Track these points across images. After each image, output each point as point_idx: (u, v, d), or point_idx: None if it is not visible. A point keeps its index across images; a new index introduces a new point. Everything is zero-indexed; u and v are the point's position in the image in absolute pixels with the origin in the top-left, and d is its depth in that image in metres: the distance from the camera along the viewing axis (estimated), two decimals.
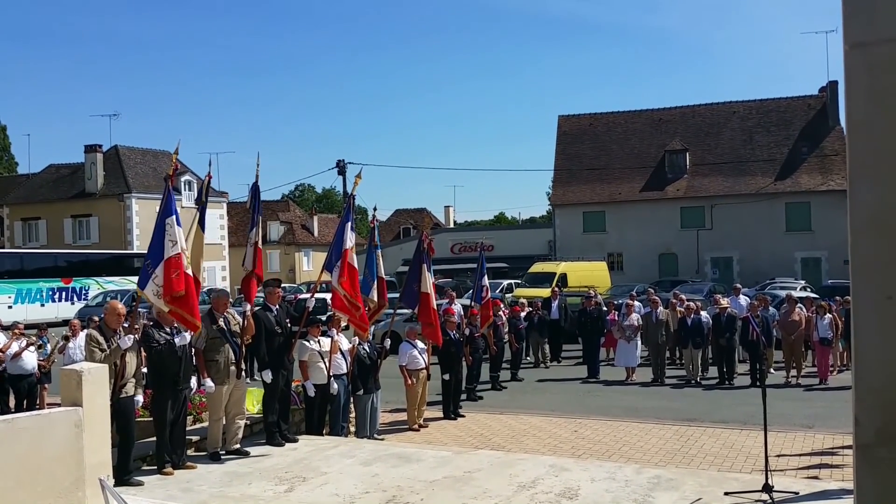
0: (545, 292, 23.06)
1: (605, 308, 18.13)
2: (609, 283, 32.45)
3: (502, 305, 17.92)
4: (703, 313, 15.93)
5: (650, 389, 14.92)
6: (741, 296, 18.84)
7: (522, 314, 17.63)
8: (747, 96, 48.78)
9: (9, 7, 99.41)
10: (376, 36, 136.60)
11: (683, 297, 18.10)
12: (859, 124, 2.15)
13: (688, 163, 42.78)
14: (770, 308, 16.35)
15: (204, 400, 9.03)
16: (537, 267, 32.77)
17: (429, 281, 11.56)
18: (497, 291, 29.39)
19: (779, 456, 9.11)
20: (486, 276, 14.84)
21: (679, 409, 12.68)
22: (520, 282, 32.33)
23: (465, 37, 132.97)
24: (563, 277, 29.87)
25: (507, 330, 16.39)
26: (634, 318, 16.13)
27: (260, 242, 9.27)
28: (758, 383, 13.22)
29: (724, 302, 16.38)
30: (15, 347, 12.45)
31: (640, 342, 16.15)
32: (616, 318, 16.98)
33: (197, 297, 8.19)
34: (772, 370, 15.58)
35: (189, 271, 8.01)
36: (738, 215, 39.95)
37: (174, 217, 8.00)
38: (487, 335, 14.76)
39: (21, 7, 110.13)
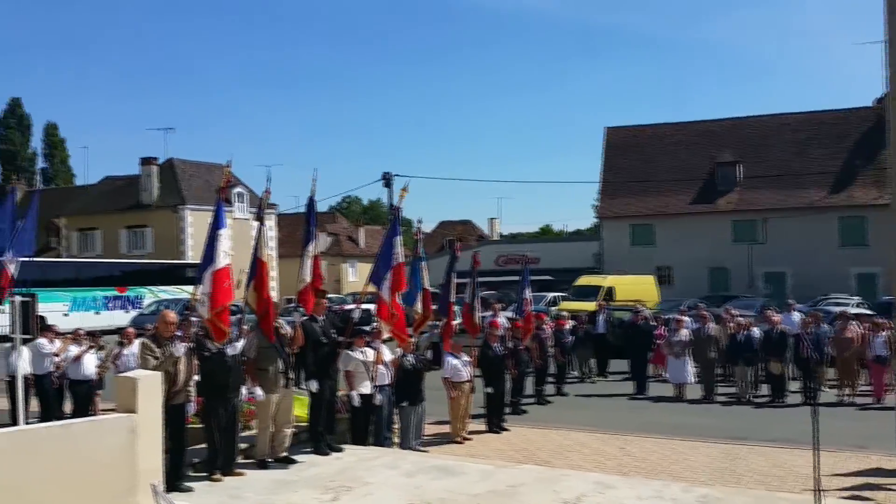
0: (591, 306, 22.86)
1: (653, 323, 17.89)
2: (657, 297, 32.00)
3: (547, 318, 17.83)
4: (755, 329, 15.63)
5: (699, 406, 14.68)
6: (794, 312, 18.43)
7: (567, 327, 17.50)
8: (799, 108, 47.87)
9: (60, 14, 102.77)
10: (421, 50, 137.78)
11: (734, 312, 17.78)
12: None
13: (739, 175, 42.04)
14: (823, 325, 15.95)
15: (253, 408, 9.20)
16: (583, 280, 32.51)
17: (452, 288, 12.12)
18: (542, 304, 29.26)
19: (830, 476, 8.89)
20: (528, 289, 14.86)
21: (728, 428, 12.44)
22: (565, 295, 32.11)
23: (511, 49, 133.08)
24: (610, 291, 29.61)
25: (552, 343, 16.31)
26: (684, 333, 15.86)
27: (316, 253, 9.72)
28: (809, 401, 12.92)
29: (776, 318, 16.04)
30: (74, 350, 12.68)
31: (689, 358, 15.89)
32: (664, 333, 16.76)
33: (273, 311, 8.70)
34: (825, 388, 15.19)
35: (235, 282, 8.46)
36: (791, 229, 39.02)
37: (225, 230, 8.32)
38: (532, 348, 14.72)
39: (78, 18, 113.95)
